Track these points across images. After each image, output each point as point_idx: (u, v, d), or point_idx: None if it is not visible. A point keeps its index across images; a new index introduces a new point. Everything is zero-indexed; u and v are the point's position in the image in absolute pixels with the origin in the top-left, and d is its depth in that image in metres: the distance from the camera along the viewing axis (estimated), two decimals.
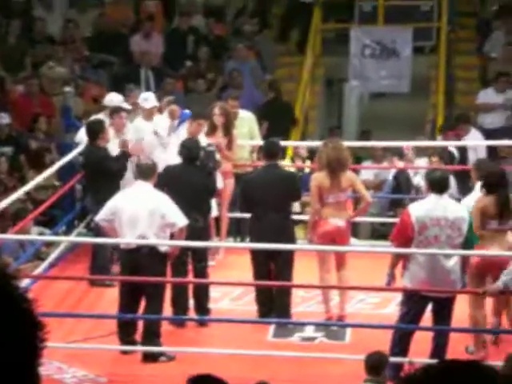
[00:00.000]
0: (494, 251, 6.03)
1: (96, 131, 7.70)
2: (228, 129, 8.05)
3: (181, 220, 6.24)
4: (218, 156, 7.58)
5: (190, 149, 7.04)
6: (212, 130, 8.02)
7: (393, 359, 5.84)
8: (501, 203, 6.04)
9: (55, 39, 11.60)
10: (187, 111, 8.93)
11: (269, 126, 10.34)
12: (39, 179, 7.93)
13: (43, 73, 10.71)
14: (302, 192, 7.05)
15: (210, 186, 6.95)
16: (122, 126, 8.09)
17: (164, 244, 6.24)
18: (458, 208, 5.91)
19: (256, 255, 6.76)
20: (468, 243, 5.92)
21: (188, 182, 6.70)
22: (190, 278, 6.88)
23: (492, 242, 6.07)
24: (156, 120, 8.36)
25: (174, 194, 6.44)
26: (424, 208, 5.82)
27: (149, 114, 8.35)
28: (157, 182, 6.58)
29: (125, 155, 7.70)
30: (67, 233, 8.64)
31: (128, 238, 6.27)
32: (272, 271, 6.79)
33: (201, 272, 6.82)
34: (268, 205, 6.68)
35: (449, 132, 9.72)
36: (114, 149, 7.80)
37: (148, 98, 8.42)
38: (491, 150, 9.51)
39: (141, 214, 6.22)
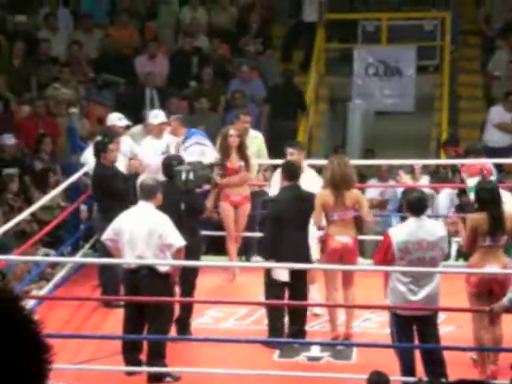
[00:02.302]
0: (490, 269, 5.99)
1: (99, 149, 7.73)
2: (243, 150, 8.02)
3: (178, 241, 6.21)
4: (206, 174, 7.42)
5: (165, 166, 7.12)
6: (227, 153, 7.99)
7: (402, 379, 5.84)
8: (493, 220, 6.01)
9: (60, 60, 11.66)
10: (194, 129, 8.97)
11: (276, 108, 10.60)
12: (44, 200, 7.94)
13: (49, 94, 10.76)
14: None
15: (189, 204, 6.79)
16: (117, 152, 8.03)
17: (162, 264, 6.20)
18: (437, 228, 5.90)
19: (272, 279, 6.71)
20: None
21: (166, 199, 6.66)
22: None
23: (487, 258, 6.05)
24: (166, 138, 8.40)
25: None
26: (405, 232, 5.80)
27: (158, 132, 8.38)
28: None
29: (135, 176, 7.70)
30: (72, 253, 8.64)
31: (128, 259, 6.27)
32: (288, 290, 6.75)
33: (186, 291, 6.75)
34: (294, 225, 6.72)
35: (449, 147, 9.75)
36: (121, 169, 7.83)
37: (158, 115, 8.46)
38: (497, 168, 9.52)
39: (140, 234, 6.23)
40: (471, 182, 6.64)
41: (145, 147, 8.27)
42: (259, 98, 11.24)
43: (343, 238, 6.72)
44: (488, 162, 7.15)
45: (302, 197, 6.87)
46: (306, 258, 6.70)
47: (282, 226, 6.73)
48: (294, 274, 6.65)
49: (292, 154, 7.39)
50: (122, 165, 7.90)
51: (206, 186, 7.90)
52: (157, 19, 12.41)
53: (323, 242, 6.79)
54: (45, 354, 1.56)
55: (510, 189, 6.80)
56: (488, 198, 6.07)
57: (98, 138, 8.19)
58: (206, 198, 7.69)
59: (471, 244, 6.12)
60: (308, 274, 6.97)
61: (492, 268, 6.00)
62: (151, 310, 6.22)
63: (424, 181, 9.17)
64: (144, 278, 6.17)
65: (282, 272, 6.79)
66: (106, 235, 6.42)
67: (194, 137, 8.61)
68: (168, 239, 6.20)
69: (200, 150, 8.48)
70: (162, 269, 6.21)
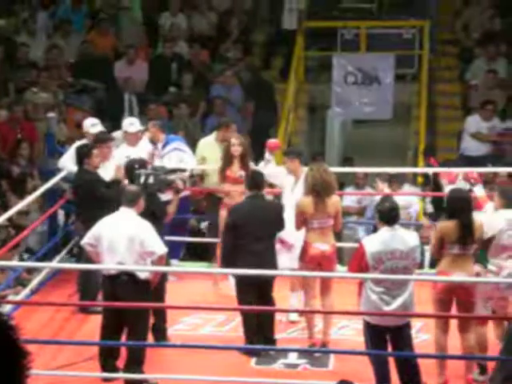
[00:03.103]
0: (456, 276, 6.03)
1: (82, 155, 7.70)
2: (246, 160, 7.91)
3: (160, 248, 6.19)
4: (167, 178, 7.31)
5: (127, 169, 7.15)
6: (229, 161, 7.95)
7: None
8: (462, 228, 6.05)
9: (38, 65, 11.61)
10: (173, 136, 8.96)
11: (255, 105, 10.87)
12: (21, 205, 7.90)
13: (27, 98, 10.71)
14: (285, 222, 7.00)
15: (150, 208, 6.68)
16: (109, 155, 8.04)
17: (140, 270, 6.17)
18: (410, 238, 5.93)
19: (242, 285, 6.72)
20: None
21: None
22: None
23: (454, 266, 6.09)
24: (141, 146, 8.37)
25: None
26: (378, 242, 5.82)
27: (134, 140, 8.36)
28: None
29: (118, 182, 7.66)
30: (50, 259, 8.59)
31: (108, 265, 6.24)
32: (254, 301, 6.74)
33: (158, 296, 6.72)
34: (254, 236, 6.68)
35: (430, 158, 9.81)
36: (103, 175, 7.79)
37: (133, 123, 8.44)
38: None
39: (120, 240, 6.19)
40: (448, 189, 6.67)
41: (119, 155, 8.24)
42: (240, 105, 11.26)
43: (322, 246, 6.74)
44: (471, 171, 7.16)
45: (264, 207, 6.83)
46: (270, 269, 6.61)
47: (239, 236, 6.68)
48: (259, 285, 6.62)
49: (284, 162, 7.43)
50: (108, 171, 7.86)
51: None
52: (117, 25, 12.35)
53: (302, 249, 6.80)
54: (23, 359, 1.55)
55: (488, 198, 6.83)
56: (459, 207, 6.10)
57: (79, 142, 8.18)
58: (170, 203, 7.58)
59: (438, 251, 6.18)
60: (290, 282, 6.95)
61: (460, 276, 6.03)
62: (130, 316, 6.19)
63: (404, 190, 9.22)
64: (123, 285, 6.15)
65: (232, 284, 6.80)
66: (87, 239, 6.39)
67: (173, 143, 8.60)
68: (150, 246, 6.17)
69: (179, 157, 8.47)
70: (142, 275, 6.19)
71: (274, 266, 6.76)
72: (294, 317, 7.28)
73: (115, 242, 6.21)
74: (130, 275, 6.15)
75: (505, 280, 5.74)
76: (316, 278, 6.76)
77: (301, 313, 7.13)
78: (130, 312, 6.15)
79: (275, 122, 11.36)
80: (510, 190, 6.72)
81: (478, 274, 6.28)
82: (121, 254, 6.20)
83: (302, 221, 6.78)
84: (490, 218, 6.30)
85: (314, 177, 6.71)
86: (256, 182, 6.92)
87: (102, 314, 6.42)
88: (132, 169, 7.12)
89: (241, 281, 6.75)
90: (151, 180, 7.06)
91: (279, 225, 6.85)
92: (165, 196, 7.47)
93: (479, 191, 6.64)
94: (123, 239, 6.19)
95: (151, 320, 6.61)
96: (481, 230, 6.15)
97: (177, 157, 8.46)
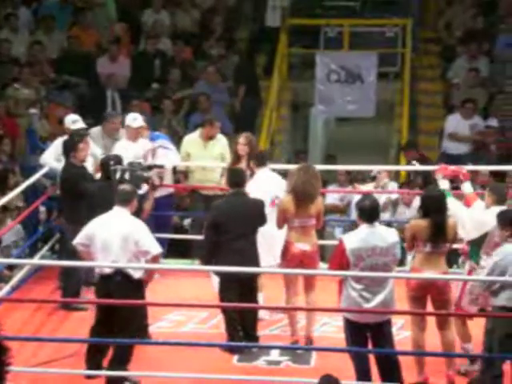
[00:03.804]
0: (428, 274, 6.06)
1: (68, 149, 7.67)
2: (250, 159, 7.78)
3: (154, 248, 6.16)
4: (143, 174, 7.27)
5: (103, 165, 7.16)
6: (236, 160, 7.92)
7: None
8: (435, 227, 6.08)
9: (21, 61, 11.56)
10: (158, 133, 8.96)
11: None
12: (3, 201, 7.86)
13: (8, 94, 10.65)
14: (266, 218, 7.00)
15: None
16: (87, 151, 8.02)
17: (133, 267, 6.15)
18: (389, 234, 5.95)
19: (224, 282, 6.71)
20: None
21: (103, 199, 6.59)
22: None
23: (427, 264, 6.12)
24: (141, 141, 8.36)
25: (94, 213, 6.39)
26: (358, 240, 5.84)
27: (135, 135, 8.35)
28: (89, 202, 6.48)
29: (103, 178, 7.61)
30: (31, 255, 8.56)
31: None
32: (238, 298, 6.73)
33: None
34: (235, 232, 6.67)
35: (410, 151, 9.88)
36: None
37: (137, 118, 8.42)
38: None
39: (114, 240, 6.15)
40: (443, 184, 6.69)
41: (119, 150, 8.22)
42: (227, 104, 11.26)
43: (303, 245, 6.74)
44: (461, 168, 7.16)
45: (245, 204, 6.82)
46: (252, 265, 6.62)
47: (220, 234, 6.68)
48: (241, 281, 6.62)
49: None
50: (89, 166, 7.85)
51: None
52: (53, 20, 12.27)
53: (284, 247, 6.81)
54: (2, 355, 1.54)
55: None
56: (433, 206, 6.13)
57: (61, 138, 8.15)
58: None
59: (410, 248, 6.24)
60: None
61: (432, 273, 6.06)
62: (121, 315, 6.15)
63: (390, 187, 9.25)
64: (117, 285, 6.11)
65: (214, 282, 6.80)
66: (79, 239, 6.33)
67: (159, 140, 8.60)
68: (145, 246, 6.13)
69: (164, 154, 8.46)
70: (136, 275, 6.15)
71: (256, 262, 6.76)
72: (263, 315, 7.21)
73: (109, 242, 6.16)
74: (124, 275, 6.11)
75: (484, 278, 5.75)
76: (298, 275, 6.77)
77: (283, 310, 7.13)
78: (122, 312, 6.11)
79: (260, 105, 11.39)
80: (500, 186, 6.77)
81: (471, 271, 6.32)
82: (115, 254, 6.15)
83: (284, 219, 6.78)
84: (482, 215, 6.33)
85: (296, 183, 6.71)
86: (236, 179, 6.91)
87: (85, 311, 6.40)
88: (107, 165, 7.10)
89: (223, 278, 6.75)
90: (127, 176, 7.04)
91: (261, 221, 6.85)
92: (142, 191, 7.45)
93: (468, 188, 6.67)
94: (117, 239, 6.15)
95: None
96: (454, 230, 6.18)
97: (162, 154, 8.45)
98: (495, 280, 5.72)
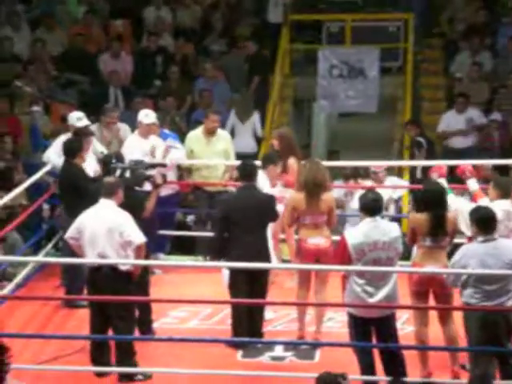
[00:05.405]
0: (430, 268, 6.06)
1: (74, 149, 7.67)
2: (284, 154, 7.71)
3: (138, 238, 6.20)
4: (144, 173, 7.28)
5: (103, 163, 7.16)
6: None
7: (362, 378, 5.88)
8: (434, 221, 6.07)
9: (23, 58, 11.56)
10: (166, 131, 8.97)
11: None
12: (6, 199, 7.87)
13: (11, 92, 10.65)
14: (278, 213, 6.98)
15: (125, 203, 6.53)
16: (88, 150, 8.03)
17: (124, 263, 6.16)
18: (391, 228, 5.95)
19: (234, 277, 6.69)
20: None
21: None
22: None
23: (428, 258, 6.11)
24: (152, 138, 8.35)
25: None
26: (360, 234, 5.83)
27: (146, 132, 8.34)
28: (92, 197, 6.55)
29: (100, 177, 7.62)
30: (35, 253, 8.57)
31: (90, 257, 6.24)
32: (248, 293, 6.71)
33: (142, 289, 6.67)
34: (245, 226, 6.64)
35: (412, 125, 10.05)
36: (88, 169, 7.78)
37: (148, 115, 8.41)
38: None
39: (100, 231, 6.21)
40: (443, 183, 6.67)
41: (130, 145, 8.21)
42: (228, 99, 11.25)
43: (317, 240, 6.71)
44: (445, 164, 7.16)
45: (256, 198, 6.77)
46: (263, 260, 6.58)
47: (230, 227, 6.65)
48: (251, 276, 6.59)
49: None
50: (89, 165, 7.85)
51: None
52: (54, 18, 12.27)
53: (297, 246, 6.78)
54: (1, 355, 1.54)
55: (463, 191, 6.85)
56: (432, 199, 6.12)
57: (64, 136, 8.15)
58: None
59: (411, 243, 6.23)
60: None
61: (433, 267, 6.04)
62: (113, 308, 6.18)
63: (388, 183, 9.24)
64: (105, 277, 6.15)
65: (225, 276, 6.79)
66: (69, 233, 6.40)
67: (169, 139, 8.61)
68: (128, 236, 6.18)
69: (172, 153, 8.46)
70: (123, 267, 6.18)
71: (266, 257, 6.72)
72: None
73: (96, 234, 6.22)
74: (112, 267, 6.15)
75: (478, 271, 5.72)
76: (311, 272, 6.71)
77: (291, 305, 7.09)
78: (113, 304, 6.14)
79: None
80: (504, 180, 6.75)
81: None
82: (101, 246, 6.20)
83: (295, 217, 6.75)
84: None
85: (306, 175, 6.70)
86: (248, 172, 6.86)
87: (89, 308, 6.42)
88: (108, 162, 7.10)
89: (233, 273, 6.72)
90: (128, 174, 7.04)
91: (272, 215, 6.82)
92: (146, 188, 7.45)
93: (473, 185, 6.66)
94: (103, 230, 6.20)
95: (136, 312, 6.60)
96: (454, 223, 6.17)
97: (171, 154, 8.44)
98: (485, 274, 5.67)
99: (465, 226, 6.27)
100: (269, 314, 7.16)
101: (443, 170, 6.81)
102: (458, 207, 6.32)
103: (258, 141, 10.81)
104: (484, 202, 6.42)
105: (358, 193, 8.32)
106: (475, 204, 6.36)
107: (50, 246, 8.69)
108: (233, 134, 10.22)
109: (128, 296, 6.19)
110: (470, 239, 6.29)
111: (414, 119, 10.77)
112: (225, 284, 6.88)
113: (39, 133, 9.60)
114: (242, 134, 10.63)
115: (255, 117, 10.77)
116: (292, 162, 7.81)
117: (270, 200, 6.82)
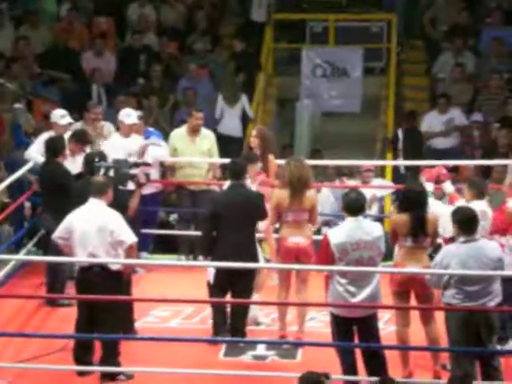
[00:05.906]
0: (411, 268, 6.08)
1: (57, 148, 7.64)
2: (264, 152, 7.70)
3: (129, 237, 6.19)
4: (128, 172, 7.28)
5: (87, 162, 7.13)
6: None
7: (344, 378, 5.90)
8: (415, 221, 6.10)
9: (6, 55, 11.50)
10: (151, 129, 8.95)
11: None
12: None
13: None
14: (267, 211, 6.97)
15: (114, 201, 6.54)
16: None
17: (112, 262, 6.15)
18: (374, 228, 5.97)
19: (217, 275, 6.69)
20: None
21: (86, 196, 6.53)
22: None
23: (409, 259, 6.15)
24: (133, 138, 8.33)
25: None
26: (342, 234, 5.85)
27: (128, 131, 8.31)
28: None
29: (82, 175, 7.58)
30: (16, 251, 8.53)
31: (80, 257, 6.22)
32: (230, 292, 6.71)
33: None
34: (234, 224, 6.63)
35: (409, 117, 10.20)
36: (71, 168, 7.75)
37: (130, 114, 8.38)
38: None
39: (90, 231, 6.18)
40: (428, 186, 6.69)
41: (111, 144, 8.18)
42: (211, 97, 11.24)
43: (297, 239, 6.73)
44: (442, 167, 7.17)
45: (245, 196, 6.77)
46: (249, 259, 6.57)
47: (218, 225, 6.65)
48: (234, 275, 6.57)
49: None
50: (69, 163, 7.82)
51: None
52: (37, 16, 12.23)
53: (277, 245, 6.79)
54: None
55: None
56: (413, 200, 6.15)
57: (46, 133, 8.11)
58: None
59: (392, 243, 6.27)
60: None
61: (414, 268, 6.07)
62: (102, 308, 6.16)
63: (375, 183, 9.28)
64: (95, 276, 6.13)
65: (210, 273, 6.80)
66: (58, 233, 6.35)
67: (152, 137, 8.59)
68: (119, 236, 6.17)
69: (153, 151, 8.44)
70: (114, 267, 6.16)
71: (253, 256, 6.70)
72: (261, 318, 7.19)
73: (86, 234, 6.19)
74: (103, 267, 6.13)
75: (459, 272, 5.74)
76: (291, 271, 6.73)
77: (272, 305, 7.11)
78: (101, 303, 6.12)
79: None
80: (479, 180, 6.79)
81: None
82: (92, 245, 6.18)
83: (277, 215, 6.76)
84: None
85: (291, 172, 6.72)
86: (237, 170, 6.86)
87: (71, 307, 6.40)
88: (91, 161, 7.07)
89: (217, 271, 6.71)
90: (111, 173, 7.02)
91: (260, 214, 6.81)
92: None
93: (449, 188, 6.69)
94: (94, 230, 6.18)
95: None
96: (434, 224, 6.20)
97: (151, 152, 8.42)
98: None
99: (441, 227, 6.31)
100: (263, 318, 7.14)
101: (432, 173, 6.83)
102: (435, 210, 6.35)
103: (245, 124, 10.90)
104: (460, 203, 6.45)
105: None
106: (451, 206, 6.40)
107: (31, 244, 8.65)
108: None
109: (118, 295, 6.16)
110: (447, 241, 6.33)
111: (413, 110, 11.01)
112: (210, 282, 6.87)
113: (21, 130, 9.55)
114: (229, 117, 10.87)
115: (243, 99, 10.91)
116: (271, 159, 7.83)
117: (259, 198, 6.82)
